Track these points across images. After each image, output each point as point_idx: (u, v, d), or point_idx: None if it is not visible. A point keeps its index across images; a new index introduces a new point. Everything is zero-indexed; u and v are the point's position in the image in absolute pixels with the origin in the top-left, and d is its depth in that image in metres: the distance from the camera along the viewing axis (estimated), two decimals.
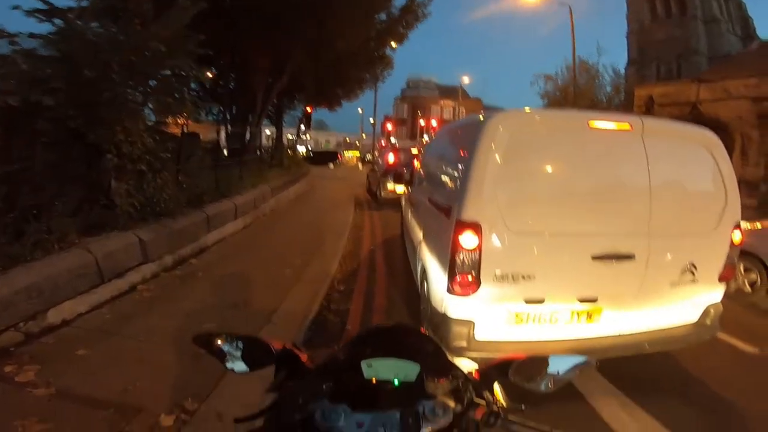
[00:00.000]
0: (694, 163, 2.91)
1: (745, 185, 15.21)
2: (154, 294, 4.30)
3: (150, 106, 5.31)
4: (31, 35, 4.49)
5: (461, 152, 2.92)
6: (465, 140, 2.93)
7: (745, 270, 5.49)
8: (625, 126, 2.74)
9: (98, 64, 4.52)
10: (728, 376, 3.42)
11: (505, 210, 2.51)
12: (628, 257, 2.66)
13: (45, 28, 4.69)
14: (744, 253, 5.29)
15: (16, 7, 4.33)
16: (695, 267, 2.83)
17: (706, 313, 3.04)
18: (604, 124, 2.72)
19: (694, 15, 28.64)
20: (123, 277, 4.20)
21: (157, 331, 3.41)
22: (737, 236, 2.96)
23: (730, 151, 12.58)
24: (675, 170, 2.87)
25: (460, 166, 2.83)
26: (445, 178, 3.36)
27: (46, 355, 2.92)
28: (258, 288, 4.70)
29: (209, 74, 5.90)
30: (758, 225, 6.06)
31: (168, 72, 5.49)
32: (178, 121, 6.39)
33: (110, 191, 4.83)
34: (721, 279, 2.99)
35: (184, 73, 5.68)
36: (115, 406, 2.38)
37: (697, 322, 3.04)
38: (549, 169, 2.71)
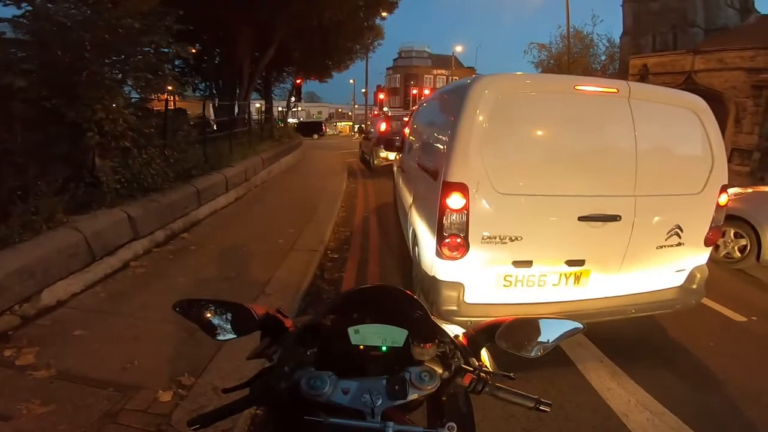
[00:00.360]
0: (680, 127, 2.91)
1: (739, 153, 15.41)
2: (148, 270, 4.33)
3: (129, 83, 5.19)
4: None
5: (448, 116, 2.91)
6: (452, 104, 2.92)
7: (736, 236, 5.43)
8: (612, 90, 2.73)
9: (70, 44, 4.44)
10: (716, 345, 3.49)
11: (491, 171, 2.53)
12: (614, 218, 2.69)
13: (10, 11, 4.54)
14: (734, 218, 5.30)
15: None
16: (681, 229, 2.87)
17: (691, 276, 3.09)
18: (590, 87, 2.71)
19: None
20: (114, 255, 4.21)
21: (152, 308, 3.45)
22: (723, 199, 2.98)
23: (724, 120, 12.43)
24: (661, 133, 2.87)
25: (447, 130, 2.81)
26: (433, 142, 3.35)
27: (44, 337, 2.96)
28: (251, 259, 4.73)
29: (192, 49, 5.66)
30: (749, 190, 6.01)
31: (146, 49, 5.36)
32: (161, 97, 6.29)
33: (95, 169, 4.79)
34: (706, 242, 3.02)
35: (164, 50, 5.53)
36: (114, 385, 2.44)
37: (682, 285, 3.09)
38: (535, 131, 2.72)
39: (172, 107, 7.32)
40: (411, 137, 4.85)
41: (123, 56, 5.23)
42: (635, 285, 2.93)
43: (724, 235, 5.40)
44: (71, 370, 2.58)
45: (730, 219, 5.20)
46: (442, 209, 2.55)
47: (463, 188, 2.51)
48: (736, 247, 5.41)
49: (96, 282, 3.87)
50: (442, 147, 2.88)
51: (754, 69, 15.63)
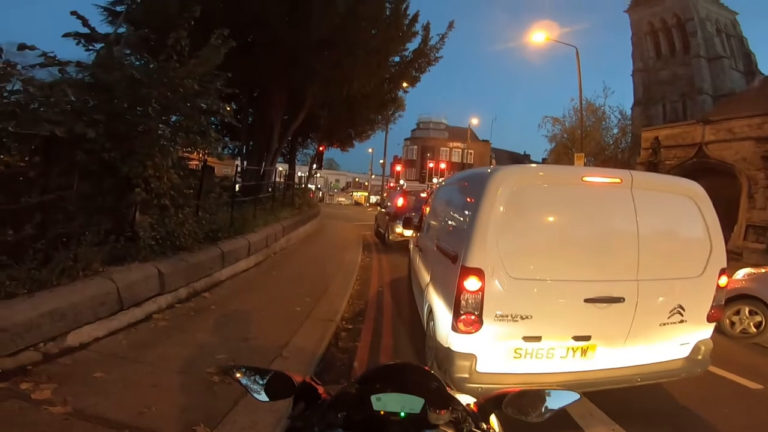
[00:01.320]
0: (680, 214, 3.16)
1: (754, 229, 15.12)
2: (169, 324, 4.40)
3: (178, 141, 5.46)
4: (78, 64, 4.72)
5: (467, 204, 3.23)
6: (471, 192, 3.24)
7: (751, 313, 5.71)
8: (616, 180, 3.02)
9: (138, 98, 4.75)
10: (730, 412, 3.51)
11: (505, 258, 2.78)
12: (619, 300, 2.88)
13: (79, 52, 4.95)
14: (749, 297, 5.70)
15: (67, 35, 4.71)
16: (683, 308, 3.05)
17: (696, 349, 3.24)
18: (596, 178, 3.03)
19: (698, 53, 28.86)
20: (140, 306, 4.31)
21: (172, 359, 3.50)
22: (723, 281, 3.18)
23: (736, 195, 12.59)
24: (662, 220, 3.13)
25: (465, 217, 3.13)
26: (452, 227, 3.66)
27: (64, 375, 3.00)
28: (269, 323, 4.78)
29: (228, 108, 6.11)
30: (762, 270, 6.34)
31: (197, 109, 5.63)
32: (200, 156, 6.61)
33: (135, 224, 5.02)
34: (709, 319, 3.20)
35: (214, 110, 5.82)
36: (130, 428, 2.45)
37: (688, 357, 3.24)
38: (546, 220, 3.02)
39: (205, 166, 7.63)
40: (430, 219, 5.12)
41: (179, 116, 5.55)
42: (641, 357, 3.08)
43: (738, 312, 5.79)
44: (87, 410, 2.59)
45: (744, 298, 5.74)
46: (459, 290, 2.78)
47: (479, 273, 2.75)
48: (751, 323, 5.67)
49: (119, 329, 3.96)
50: (460, 233, 3.16)
51: (763, 138, 15.39)
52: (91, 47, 5.22)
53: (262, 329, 4.57)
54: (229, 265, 6.64)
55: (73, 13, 5.17)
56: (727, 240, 14.88)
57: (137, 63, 5.26)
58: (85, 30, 5.35)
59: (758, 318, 5.62)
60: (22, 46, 4.15)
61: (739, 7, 43.73)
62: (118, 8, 12.02)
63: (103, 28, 11.31)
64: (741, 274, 6.35)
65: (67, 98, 4.28)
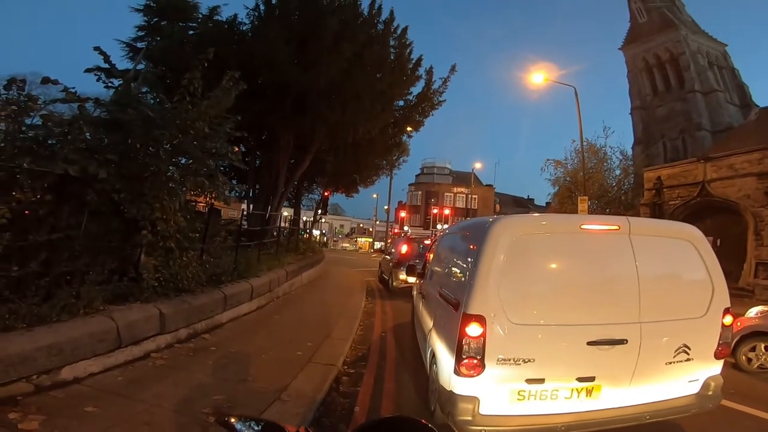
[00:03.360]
0: (679, 257, 3.25)
1: (763, 267, 14.76)
2: (167, 363, 4.32)
3: (186, 184, 5.50)
4: (96, 101, 4.88)
5: (469, 252, 3.34)
6: (473, 241, 3.35)
7: (767, 349, 5.76)
8: (614, 227, 3.14)
9: (150, 139, 4.87)
10: None
11: (506, 304, 2.86)
12: (622, 342, 2.93)
13: (99, 88, 5.11)
14: (764, 334, 5.77)
15: (89, 70, 4.92)
16: (689, 347, 3.08)
17: (706, 385, 3.23)
18: (594, 226, 3.15)
19: (692, 87, 29.33)
20: (139, 345, 4.27)
21: (167, 397, 3.41)
22: (728, 320, 3.22)
23: (743, 232, 12.40)
24: (661, 264, 3.22)
25: (467, 265, 3.23)
26: (454, 275, 3.75)
27: (54, 408, 2.95)
28: (269, 366, 4.67)
29: (236, 149, 6.20)
30: None
31: (206, 152, 5.70)
32: (207, 199, 6.68)
33: (139, 265, 5.04)
34: (717, 356, 3.21)
35: (222, 153, 5.91)
36: None
37: (698, 393, 3.23)
38: (547, 267, 3.12)
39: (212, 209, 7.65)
40: (433, 266, 5.21)
41: (188, 158, 5.63)
42: (648, 395, 3.07)
43: (754, 349, 5.83)
44: None
45: (759, 335, 5.80)
46: (461, 336, 2.84)
47: (480, 319, 2.82)
48: None
49: (116, 366, 3.91)
50: (462, 281, 3.26)
51: (765, 173, 15.28)
52: (110, 83, 5.44)
53: (262, 372, 4.45)
54: (231, 308, 6.58)
55: (96, 48, 5.45)
56: (737, 277, 14.63)
57: (152, 102, 5.42)
58: (106, 65, 5.60)
59: None
60: (45, 80, 4.33)
61: (728, 38, 44.92)
62: (139, 44, 12.80)
63: (124, 64, 12.02)
64: (754, 311, 6.40)
65: (83, 136, 4.43)
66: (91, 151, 4.46)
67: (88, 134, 4.65)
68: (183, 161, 5.77)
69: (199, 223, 6.72)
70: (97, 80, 5.41)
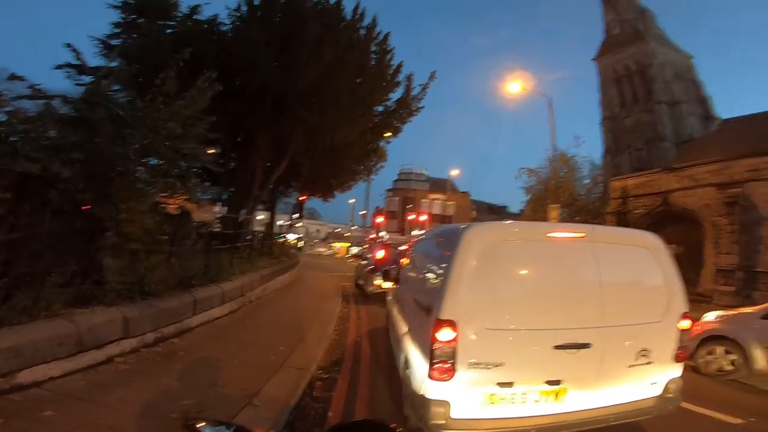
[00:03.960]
0: (638, 264, 3.39)
1: (723, 273, 15.40)
2: (132, 368, 4.18)
3: (155, 185, 5.35)
4: (64, 99, 4.71)
5: (442, 258, 3.40)
6: (445, 248, 3.42)
7: (727, 352, 5.92)
8: (580, 234, 3.28)
9: (119, 138, 4.72)
10: None
11: (478, 309, 2.94)
12: (586, 346, 3.03)
13: (62, 84, 4.93)
14: (723, 338, 5.96)
15: (59, 67, 4.71)
16: (649, 351, 3.21)
17: (667, 388, 3.35)
18: (560, 234, 3.30)
19: (658, 99, 30.06)
20: (101, 349, 4.11)
21: (131, 402, 3.30)
22: (685, 324, 3.38)
23: (702, 240, 12.96)
24: (622, 270, 3.35)
25: (440, 271, 3.30)
26: (427, 281, 3.80)
27: (11, 411, 2.83)
28: (240, 371, 4.56)
29: (212, 150, 6.03)
30: (733, 312, 6.67)
31: (178, 153, 5.53)
32: (177, 201, 6.52)
33: (103, 267, 4.84)
34: (676, 359, 3.36)
35: (195, 154, 5.79)
36: None
37: (659, 395, 3.34)
38: (517, 273, 3.18)
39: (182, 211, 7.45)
40: (407, 272, 5.26)
41: (159, 159, 5.45)
42: (612, 398, 3.17)
43: (712, 352, 6.02)
44: None
45: (717, 338, 5.98)
46: (434, 341, 2.89)
47: (452, 324, 2.88)
48: (726, 362, 5.89)
49: (77, 370, 3.76)
50: (435, 286, 3.31)
51: (723, 184, 15.85)
52: (80, 81, 5.24)
53: (233, 376, 4.35)
54: (202, 312, 6.40)
55: (68, 45, 5.25)
56: (696, 284, 15.24)
57: (124, 100, 5.23)
58: (78, 62, 5.41)
59: (732, 356, 5.82)
60: (12, 76, 4.15)
61: (694, 50, 46.04)
62: (114, 42, 12.36)
63: (97, 62, 11.56)
64: (712, 316, 6.63)
65: (47, 134, 4.26)
66: (55, 149, 4.29)
67: (52, 132, 4.47)
68: (153, 162, 5.58)
69: (169, 226, 6.53)
70: (67, 77, 5.19)
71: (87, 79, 5.50)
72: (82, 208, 4.52)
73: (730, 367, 5.82)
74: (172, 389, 3.76)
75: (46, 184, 4.12)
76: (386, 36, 13.76)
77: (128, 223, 4.93)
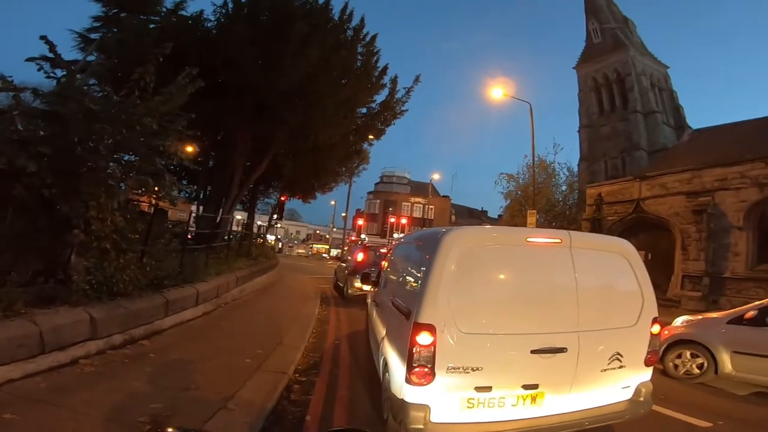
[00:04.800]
0: (613, 269, 3.46)
1: (690, 279, 15.90)
2: (98, 370, 3.99)
3: (127, 182, 5.18)
4: (34, 91, 4.52)
5: (421, 262, 3.41)
6: (425, 251, 3.43)
7: (692, 356, 6.03)
8: (556, 240, 3.30)
9: (90, 133, 4.55)
10: None
11: (456, 313, 2.94)
12: (562, 350, 3.06)
13: (40, 77, 4.69)
14: (690, 342, 6.07)
15: (31, 59, 4.49)
16: (621, 355, 3.25)
17: (637, 391, 3.41)
18: (538, 239, 3.33)
19: (635, 108, 30.85)
20: (65, 351, 3.92)
21: (96, 405, 3.14)
22: (656, 329, 3.45)
23: (672, 247, 13.35)
24: (598, 276, 3.41)
25: (419, 275, 3.29)
26: (406, 284, 3.80)
27: None
28: (214, 373, 4.42)
29: (190, 148, 5.85)
30: (699, 317, 6.82)
31: (153, 149, 5.34)
32: (151, 199, 6.31)
33: (69, 266, 4.63)
34: (647, 363, 3.42)
35: (171, 151, 5.62)
36: None
37: (630, 399, 3.40)
38: (495, 278, 3.21)
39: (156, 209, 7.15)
40: (387, 275, 5.24)
41: (131, 155, 5.29)
42: (587, 402, 3.21)
43: (680, 356, 6.12)
44: None
45: (685, 342, 6.10)
46: (412, 344, 2.89)
47: (431, 328, 2.88)
48: (694, 365, 5.98)
49: (38, 372, 3.57)
50: (413, 291, 3.31)
51: (693, 192, 16.38)
52: (53, 74, 5.00)
53: (207, 380, 4.20)
54: (174, 313, 6.21)
55: (42, 37, 5.02)
56: (665, 289, 15.73)
57: (99, 94, 5.02)
58: (51, 55, 5.19)
59: (700, 360, 5.94)
60: None
61: (670, 60, 47.17)
62: (93, 35, 11.92)
63: (74, 55, 11.14)
64: (680, 321, 6.80)
65: (14, 127, 4.05)
66: (23, 142, 4.10)
67: (20, 125, 4.27)
68: (126, 158, 5.39)
69: (142, 224, 6.30)
70: (38, 70, 4.95)
71: (60, 73, 5.24)
72: (49, 204, 4.29)
73: (697, 371, 5.92)
74: (141, 392, 3.60)
75: (11, 179, 3.92)
76: (373, 37, 13.73)
77: (97, 220, 4.73)
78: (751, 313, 5.76)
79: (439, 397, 2.89)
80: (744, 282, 14.60)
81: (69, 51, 11.64)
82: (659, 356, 5.71)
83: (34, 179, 4.06)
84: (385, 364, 3.65)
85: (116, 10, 12.06)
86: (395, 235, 39.20)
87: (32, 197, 4.19)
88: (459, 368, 2.88)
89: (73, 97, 4.64)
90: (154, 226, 6.68)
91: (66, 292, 4.37)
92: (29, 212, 4.31)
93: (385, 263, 6.16)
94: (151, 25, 11.71)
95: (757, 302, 6.04)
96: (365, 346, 6.14)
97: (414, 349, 2.86)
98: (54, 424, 2.78)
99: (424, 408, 2.87)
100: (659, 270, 16.41)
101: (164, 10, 12.49)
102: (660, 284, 16.32)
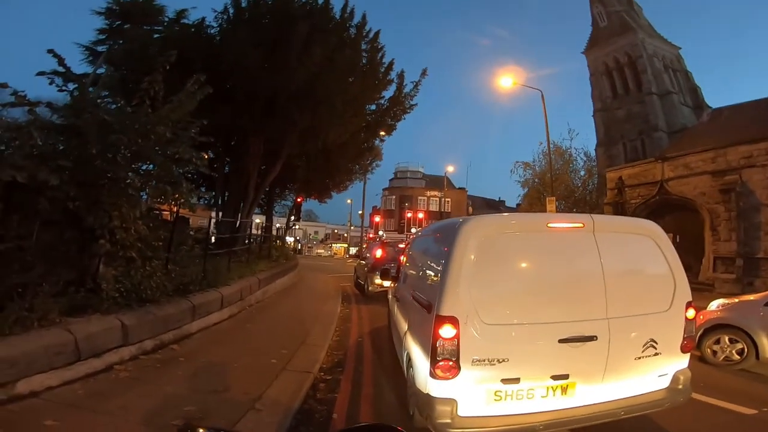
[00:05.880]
0: (641, 253, 3.31)
1: (722, 261, 15.40)
2: (132, 375, 4.11)
3: (147, 191, 5.29)
4: (49, 105, 4.64)
5: (440, 254, 3.33)
6: (443, 243, 3.35)
7: (731, 341, 5.83)
8: (579, 224, 3.19)
9: (107, 144, 4.64)
10: None
11: (478, 304, 2.87)
12: (592, 338, 2.96)
13: (52, 91, 4.83)
14: (728, 326, 5.85)
15: (41, 73, 4.64)
16: (656, 342, 3.13)
17: (675, 379, 3.27)
18: (560, 224, 3.20)
19: (650, 90, 30.13)
20: (100, 357, 4.05)
21: (133, 409, 3.24)
22: (691, 313, 3.29)
23: (700, 228, 12.90)
24: (624, 259, 3.28)
25: (438, 267, 3.22)
26: (426, 277, 3.74)
27: (10, 422, 2.79)
28: (241, 375, 4.49)
29: (205, 155, 5.93)
30: (736, 300, 6.54)
31: (169, 157, 5.42)
32: (172, 207, 6.42)
33: (97, 275, 4.77)
34: (683, 350, 3.28)
35: (186, 158, 5.61)
36: None
37: (668, 387, 3.27)
38: (516, 266, 3.12)
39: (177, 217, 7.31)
40: (406, 270, 5.21)
41: (148, 164, 5.38)
42: (621, 391, 3.10)
43: (719, 341, 5.92)
44: None
45: (722, 327, 5.87)
46: (435, 338, 2.84)
47: (453, 320, 2.82)
48: (733, 351, 5.78)
49: (76, 379, 3.70)
50: (434, 283, 3.25)
51: (719, 171, 15.92)
52: (65, 87, 5.13)
53: (235, 381, 4.28)
54: (200, 317, 6.33)
55: (50, 51, 5.14)
56: (697, 272, 15.22)
57: (112, 106, 5.14)
58: (62, 69, 5.33)
59: (739, 345, 5.73)
60: None
61: (680, 41, 45.62)
62: (100, 48, 12.23)
63: (83, 68, 11.44)
64: (715, 305, 6.50)
65: (33, 142, 4.18)
66: (43, 157, 4.21)
67: (39, 140, 4.38)
68: (144, 167, 5.49)
69: (164, 232, 6.44)
70: (50, 84, 5.07)
71: (72, 86, 5.37)
72: (74, 216, 4.43)
73: (737, 357, 5.72)
74: (174, 396, 3.69)
75: (36, 193, 4.02)
76: (376, 34, 13.69)
77: (121, 230, 4.85)
78: None
79: (465, 390, 2.83)
80: None
81: (77, 64, 11.99)
82: (696, 342, 5.51)
83: (57, 192, 4.16)
84: (409, 359, 3.62)
85: (119, 22, 12.33)
86: (412, 230, 39.01)
87: (57, 210, 4.31)
88: (484, 360, 2.82)
89: (87, 110, 4.74)
90: (176, 233, 6.82)
91: (97, 301, 4.51)
92: (55, 225, 4.43)
93: (403, 258, 6.15)
94: (155, 35, 11.95)
95: None
96: (388, 342, 6.15)
97: (437, 342, 2.81)
98: (94, 429, 2.87)
99: (451, 402, 2.83)
100: (689, 253, 15.90)
101: (166, 19, 12.72)
102: (691, 267, 15.85)
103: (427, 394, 2.94)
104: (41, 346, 3.41)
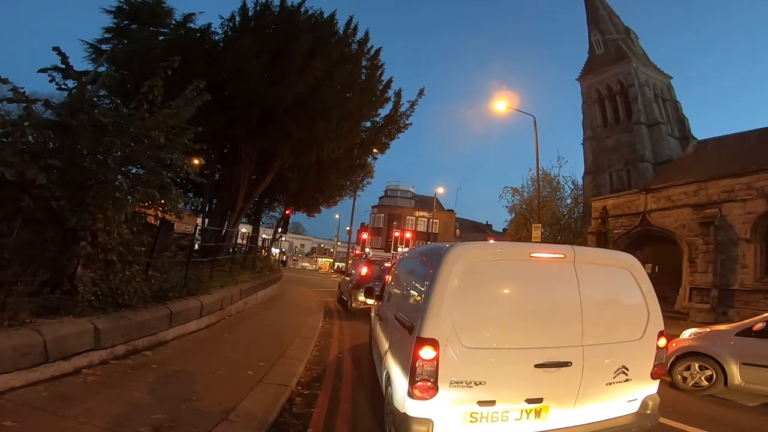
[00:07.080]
0: (618, 284, 3.45)
1: (698, 291, 15.62)
2: (100, 380, 4.00)
3: (135, 195, 5.18)
4: (46, 102, 4.60)
5: (424, 277, 3.40)
6: (428, 267, 3.42)
7: (701, 368, 6.01)
8: (560, 255, 3.30)
9: (100, 146, 4.61)
10: None
11: (459, 328, 2.94)
12: (566, 364, 3.05)
13: (53, 88, 4.79)
14: (699, 354, 6.03)
15: (42, 70, 4.60)
16: (627, 368, 3.24)
17: (644, 404, 3.38)
18: (542, 254, 3.30)
19: (639, 119, 30.49)
20: (68, 360, 3.94)
21: (98, 414, 3.15)
22: (662, 342, 3.43)
23: (679, 259, 13.10)
24: (602, 290, 3.40)
25: (422, 289, 3.29)
26: (409, 299, 3.81)
27: None
28: (216, 385, 4.41)
29: (196, 161, 5.91)
30: (708, 329, 6.74)
31: (160, 162, 5.36)
32: (157, 212, 6.33)
33: (75, 277, 4.68)
34: (653, 376, 3.39)
35: (178, 165, 5.53)
36: None
37: (637, 412, 3.37)
38: (498, 293, 3.21)
39: (162, 222, 7.22)
40: (391, 289, 5.26)
41: (140, 168, 5.32)
42: (592, 415, 3.18)
43: (689, 368, 6.11)
44: None
45: (693, 355, 6.06)
46: (415, 359, 2.89)
47: (434, 343, 2.88)
48: (702, 377, 5.96)
49: (41, 381, 3.59)
50: (417, 304, 3.30)
51: (699, 204, 16.24)
52: (64, 85, 5.10)
53: (208, 391, 4.19)
54: (178, 325, 6.21)
55: (55, 48, 5.13)
56: (673, 302, 15.45)
57: (110, 107, 5.10)
58: (64, 66, 5.30)
59: (708, 372, 5.91)
60: None
61: (672, 71, 46.57)
62: (104, 47, 12.22)
63: (85, 66, 11.42)
64: (688, 333, 6.74)
65: (25, 139, 4.13)
66: (33, 155, 4.17)
67: (30, 137, 4.34)
68: (134, 171, 5.45)
69: (148, 237, 6.35)
70: (50, 81, 5.04)
71: (72, 84, 5.35)
72: (57, 216, 4.35)
73: (706, 383, 5.89)
74: (143, 403, 3.60)
75: (21, 191, 3.97)
76: (377, 51, 13.90)
77: (104, 232, 4.78)
78: (759, 325, 5.72)
79: (441, 411, 2.87)
80: (753, 294, 14.40)
81: (80, 61, 12.00)
82: (667, 369, 5.63)
83: (42, 191, 4.11)
84: (388, 377, 3.65)
85: (127, 22, 12.40)
86: (399, 249, 38.94)
87: (40, 209, 4.24)
88: (462, 382, 2.87)
89: (83, 109, 4.73)
90: (159, 238, 6.73)
91: (71, 303, 4.41)
92: (37, 223, 4.35)
93: (389, 278, 6.16)
94: (161, 37, 12.02)
95: (766, 314, 5.99)
96: (368, 359, 6.10)
97: (417, 363, 2.86)
98: None
99: (427, 422, 2.87)
100: (667, 282, 16.23)
101: (174, 22, 12.83)
102: (667, 297, 16.12)
103: (404, 413, 2.97)
104: (8, 346, 3.32)
